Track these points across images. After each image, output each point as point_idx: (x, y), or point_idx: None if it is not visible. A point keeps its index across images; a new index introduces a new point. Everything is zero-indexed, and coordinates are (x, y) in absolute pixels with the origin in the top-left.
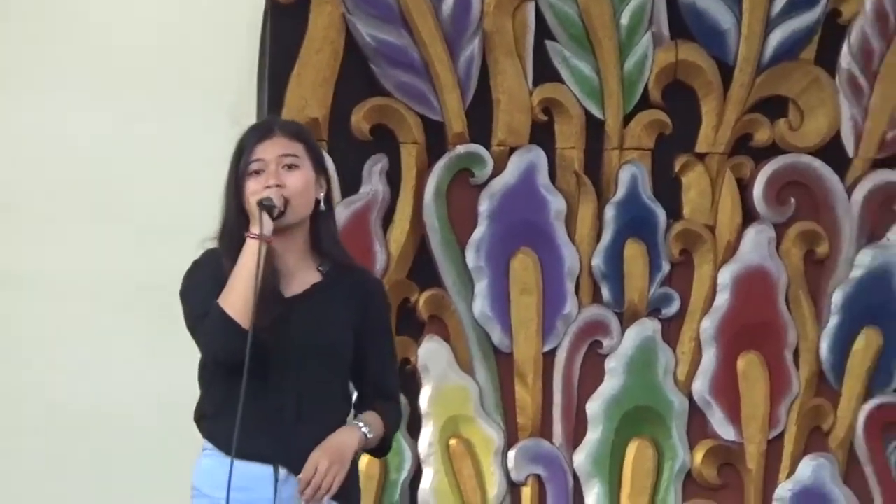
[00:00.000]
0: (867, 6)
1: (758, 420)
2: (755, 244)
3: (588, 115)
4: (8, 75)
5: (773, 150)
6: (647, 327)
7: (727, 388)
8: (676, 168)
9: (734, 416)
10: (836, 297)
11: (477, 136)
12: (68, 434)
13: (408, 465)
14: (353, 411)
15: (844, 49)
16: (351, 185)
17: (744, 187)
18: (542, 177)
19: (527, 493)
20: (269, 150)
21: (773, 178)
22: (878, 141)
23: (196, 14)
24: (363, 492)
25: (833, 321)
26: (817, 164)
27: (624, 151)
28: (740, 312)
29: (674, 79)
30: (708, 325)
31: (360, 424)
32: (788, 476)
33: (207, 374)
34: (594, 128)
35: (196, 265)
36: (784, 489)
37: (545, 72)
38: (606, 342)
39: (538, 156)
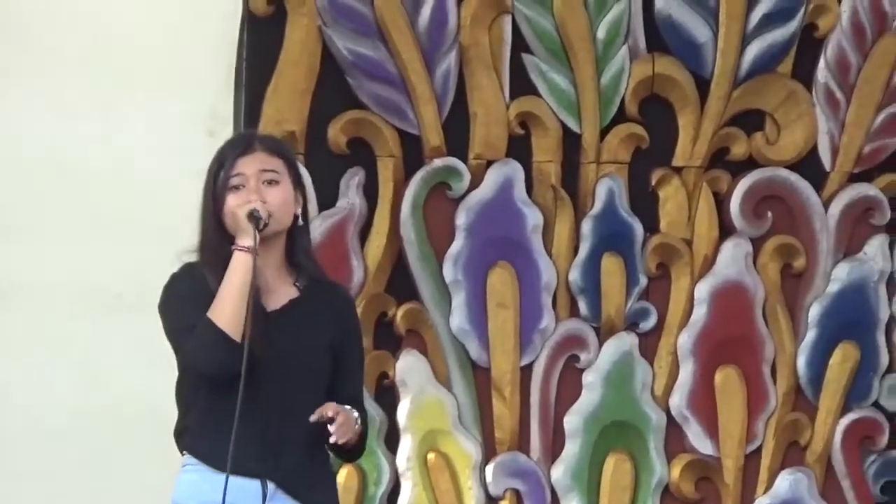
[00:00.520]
0: (843, 20)
1: (735, 434)
2: (732, 258)
3: (565, 128)
4: None
5: (749, 163)
6: (625, 341)
7: (704, 403)
8: (653, 182)
9: (712, 430)
10: (814, 311)
11: (454, 150)
12: (55, 437)
13: (385, 479)
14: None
15: (821, 63)
16: (328, 198)
17: (721, 201)
18: (519, 190)
19: None
20: (250, 166)
21: (750, 191)
22: (855, 155)
23: (173, 26)
24: None
25: (810, 335)
26: (794, 178)
27: (601, 165)
28: (717, 326)
29: (650, 92)
30: (685, 340)
31: (352, 412)
32: (766, 490)
33: (189, 389)
34: (571, 141)
35: (174, 279)
36: (763, 501)
37: (522, 85)
38: (584, 356)
39: (515, 169)
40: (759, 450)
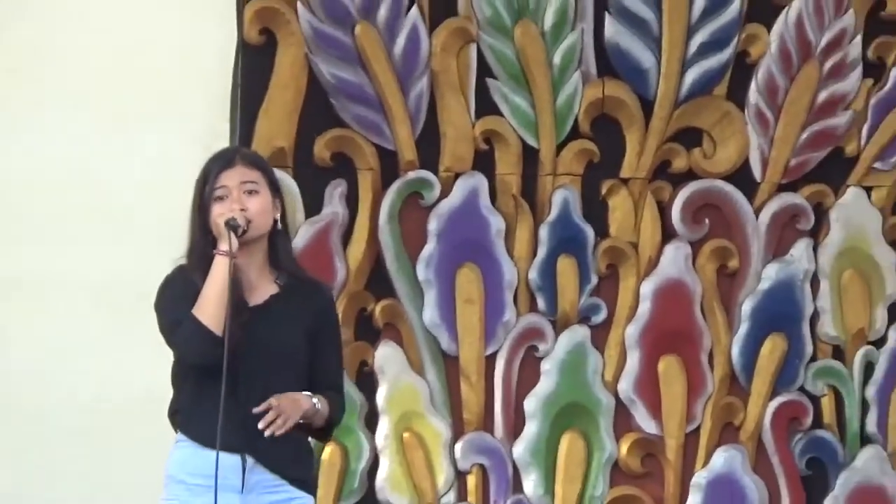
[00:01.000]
0: (772, 48)
1: (676, 416)
2: (673, 259)
3: (524, 144)
4: (8, 100)
5: (689, 175)
6: (578, 333)
7: (649, 388)
8: (603, 192)
9: (655, 412)
10: (746, 307)
11: (426, 164)
12: (69, 427)
13: (366, 456)
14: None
15: (752, 86)
16: (314, 207)
17: (663, 209)
18: (484, 200)
19: (472, 480)
20: (232, 178)
21: (690, 200)
22: (783, 168)
23: (176, 53)
24: (327, 480)
25: (743, 328)
26: (728, 188)
27: (556, 177)
28: (660, 320)
29: (601, 112)
30: (632, 332)
31: (312, 398)
32: (704, 465)
33: (181, 375)
34: (530, 156)
35: (167, 280)
36: (700, 477)
37: (486, 106)
38: (542, 347)
39: (480, 181)
40: (697, 429)
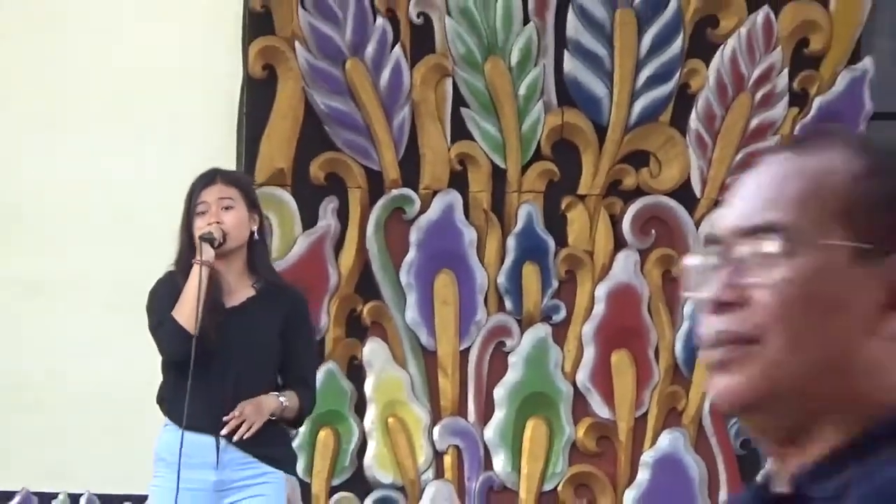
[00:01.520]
0: (710, 81)
1: (627, 402)
2: (624, 266)
3: (494, 165)
4: (40, 118)
5: (637, 192)
6: (541, 331)
7: (603, 378)
8: (562, 207)
9: (609, 399)
10: (687, 307)
11: (407, 182)
12: (81, 409)
13: (356, 438)
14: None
15: (693, 114)
16: (309, 220)
17: (615, 221)
18: (459, 214)
19: (448, 459)
20: (211, 195)
21: (638, 214)
22: (719, 185)
23: (189, 85)
24: (321, 459)
25: (685, 325)
26: (672, 203)
27: (522, 194)
28: (613, 319)
29: (560, 137)
30: (588, 329)
31: (280, 397)
32: (651, 446)
33: (165, 367)
34: (498, 175)
35: (157, 285)
36: (647, 456)
37: (460, 132)
38: (509, 342)
39: (455, 197)
40: (645, 414)
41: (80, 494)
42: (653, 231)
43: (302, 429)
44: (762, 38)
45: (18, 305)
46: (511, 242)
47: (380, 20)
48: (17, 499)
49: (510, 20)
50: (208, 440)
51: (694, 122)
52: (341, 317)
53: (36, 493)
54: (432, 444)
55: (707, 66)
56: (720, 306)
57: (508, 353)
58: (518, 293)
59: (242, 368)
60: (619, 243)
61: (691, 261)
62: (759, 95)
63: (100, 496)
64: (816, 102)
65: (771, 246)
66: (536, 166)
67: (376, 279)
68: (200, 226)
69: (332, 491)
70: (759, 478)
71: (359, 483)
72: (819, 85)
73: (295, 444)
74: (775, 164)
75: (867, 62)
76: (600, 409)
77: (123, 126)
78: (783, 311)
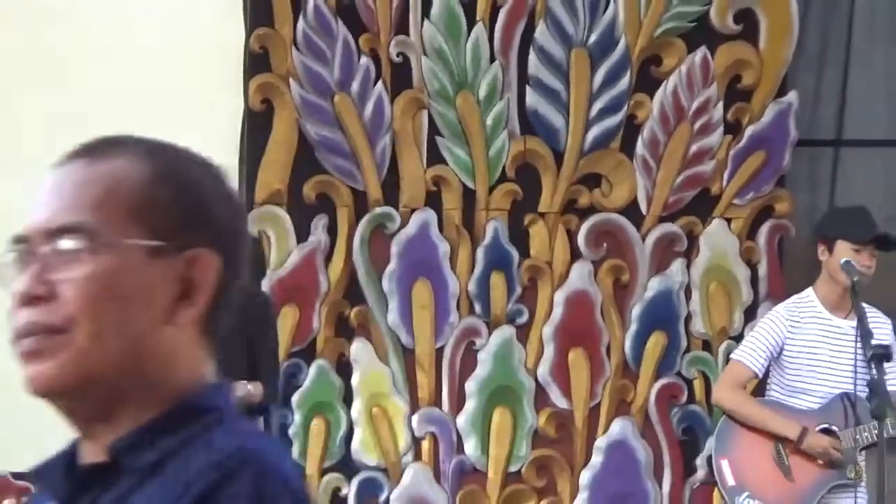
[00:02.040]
0: (654, 112)
1: (582, 394)
2: (579, 275)
3: (464, 186)
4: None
5: (591, 210)
6: (506, 332)
7: (561, 373)
8: (525, 223)
9: (566, 392)
10: (635, 311)
11: (389, 202)
12: None
13: (344, 426)
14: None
15: (639, 141)
16: (303, 235)
17: (571, 236)
18: (434, 229)
19: (425, 445)
20: None
21: (592, 229)
22: (663, 204)
23: (197, 116)
24: (314, 445)
25: (633, 327)
26: (622, 220)
27: (489, 211)
28: (570, 321)
29: (523, 161)
30: (548, 330)
31: (248, 385)
32: (603, 433)
33: None
34: (469, 195)
35: None
36: (600, 441)
37: (435, 157)
38: (478, 342)
39: (431, 215)
40: (598, 405)
41: None
42: (604, 244)
43: (297, 418)
44: (700, 75)
45: None
46: (480, 254)
47: (364, 59)
48: None
49: (478, 59)
50: None
51: (640, 148)
52: (331, 319)
53: None
54: (411, 431)
55: (651, 99)
56: (30, 299)
57: (478, 351)
58: (486, 299)
59: (219, 362)
60: (575, 255)
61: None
62: (697, 125)
63: None
64: (748, 131)
65: (73, 244)
66: (502, 187)
67: (362, 286)
68: None
69: (324, 472)
70: (65, 447)
71: (347, 465)
72: (750, 115)
73: (290, 431)
74: (73, 170)
75: (792, 95)
76: (559, 400)
77: None
78: (87, 304)
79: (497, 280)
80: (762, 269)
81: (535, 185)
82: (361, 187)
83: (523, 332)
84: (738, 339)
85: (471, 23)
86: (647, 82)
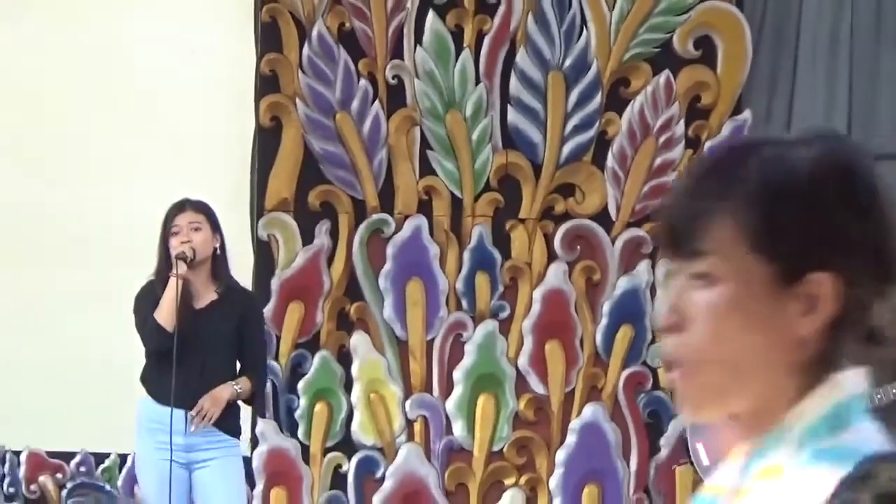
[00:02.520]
0: (623, 128)
1: (558, 381)
2: (555, 274)
3: (453, 195)
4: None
5: (566, 216)
6: (490, 325)
7: (539, 363)
8: (507, 228)
9: (544, 379)
10: (605, 307)
11: (385, 209)
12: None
13: (344, 410)
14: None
15: (610, 155)
16: (307, 239)
17: (548, 239)
18: (425, 234)
19: (417, 426)
20: (183, 219)
21: (566, 234)
22: (630, 211)
23: (213, 133)
24: (317, 427)
25: (603, 321)
26: (594, 225)
27: (475, 218)
28: (547, 316)
29: (505, 173)
30: (527, 324)
31: (234, 385)
32: (577, 416)
33: (147, 354)
34: (456, 203)
35: (141, 292)
36: (574, 424)
37: (426, 169)
38: (465, 334)
39: (423, 221)
40: (573, 391)
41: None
42: (578, 247)
43: (302, 402)
44: (664, 95)
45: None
46: (466, 256)
47: (363, 81)
48: (77, 458)
49: (465, 81)
50: (179, 412)
51: (610, 161)
52: (333, 314)
53: (93, 454)
54: (405, 414)
55: (620, 117)
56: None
57: (465, 342)
58: (472, 296)
59: (208, 357)
60: (552, 257)
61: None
62: (661, 140)
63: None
64: (707, 145)
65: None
66: (486, 196)
67: (360, 285)
68: (175, 244)
69: (326, 451)
70: None
71: (347, 445)
72: (708, 132)
73: (297, 414)
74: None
75: (746, 114)
76: (537, 386)
77: (159, 168)
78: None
79: (482, 279)
80: None
81: (516, 194)
82: (360, 196)
83: (505, 326)
84: None
85: (458, 49)
86: (617, 102)
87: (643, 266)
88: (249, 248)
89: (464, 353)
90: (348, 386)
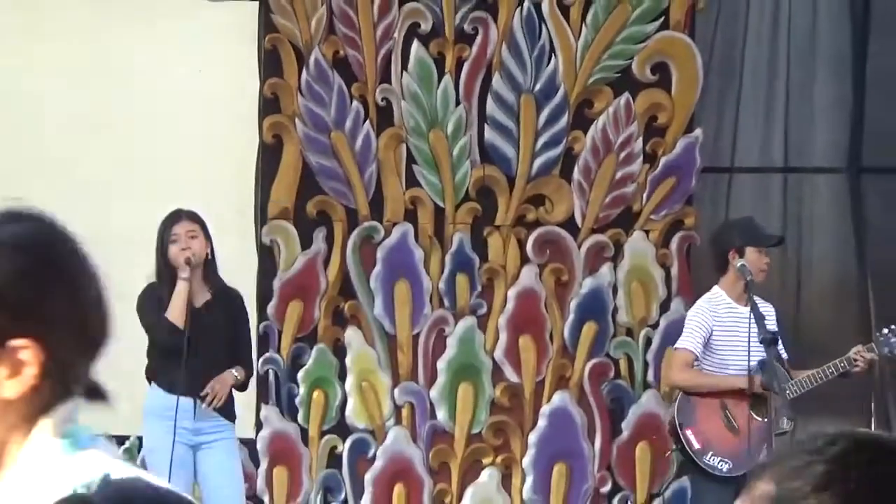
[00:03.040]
0: (587, 144)
1: (530, 371)
2: (528, 275)
3: (436, 205)
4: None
5: (537, 224)
6: (469, 321)
7: (514, 354)
8: (485, 234)
9: (517, 369)
10: (572, 304)
11: (375, 217)
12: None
13: (339, 397)
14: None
15: (576, 168)
16: (306, 244)
17: (521, 244)
18: (411, 240)
19: (405, 412)
20: (181, 228)
21: (538, 239)
22: (594, 219)
23: (221, 149)
24: (315, 413)
25: (571, 318)
26: (562, 232)
27: (455, 225)
28: (520, 313)
29: (483, 184)
30: (503, 320)
31: (234, 371)
32: (547, 402)
33: (153, 348)
34: (439, 212)
35: (143, 293)
36: (545, 409)
37: (412, 181)
38: (447, 329)
39: (409, 228)
40: (543, 380)
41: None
42: (548, 251)
43: (302, 390)
44: (624, 115)
45: None
46: (448, 259)
47: (355, 103)
48: None
49: (447, 103)
50: (187, 401)
51: (576, 174)
52: (329, 311)
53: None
54: (393, 400)
55: (585, 134)
56: None
57: (447, 336)
58: (453, 295)
59: (209, 350)
60: (524, 260)
61: None
62: (622, 155)
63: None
64: (663, 161)
65: None
66: (466, 206)
67: (353, 285)
68: (175, 251)
69: (323, 434)
70: None
71: (341, 428)
72: (664, 148)
73: (297, 400)
74: None
75: (698, 132)
76: (511, 376)
77: (169, 185)
78: None
79: (462, 280)
80: (674, 271)
81: (492, 203)
82: (353, 206)
83: (483, 322)
84: (655, 326)
85: (440, 74)
86: (582, 121)
87: (606, 268)
88: (254, 252)
89: (446, 346)
90: (343, 375)
